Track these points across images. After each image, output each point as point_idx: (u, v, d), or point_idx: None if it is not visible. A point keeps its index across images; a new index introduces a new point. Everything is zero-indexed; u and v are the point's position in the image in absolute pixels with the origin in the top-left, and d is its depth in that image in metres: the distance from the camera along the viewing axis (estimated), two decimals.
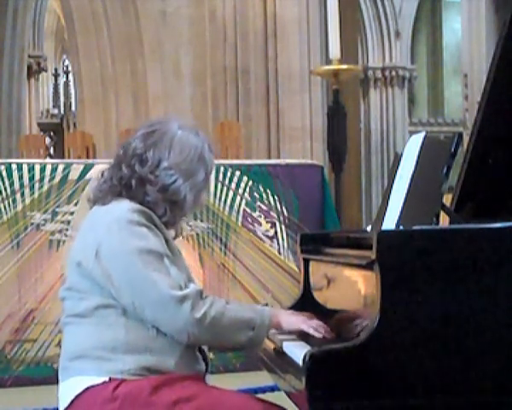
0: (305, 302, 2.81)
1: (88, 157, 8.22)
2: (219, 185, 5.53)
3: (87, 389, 2.25)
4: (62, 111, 17.54)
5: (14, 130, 12.21)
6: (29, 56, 14.97)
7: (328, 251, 2.71)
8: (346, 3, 8.42)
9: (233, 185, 5.55)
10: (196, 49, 9.22)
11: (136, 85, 9.65)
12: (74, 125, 15.33)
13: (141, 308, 2.24)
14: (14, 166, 5.23)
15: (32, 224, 5.21)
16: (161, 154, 2.37)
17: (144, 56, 9.47)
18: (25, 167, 5.23)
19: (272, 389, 4.02)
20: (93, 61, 10.06)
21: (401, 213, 2.44)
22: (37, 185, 5.22)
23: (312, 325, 2.42)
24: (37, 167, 5.24)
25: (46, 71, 17.99)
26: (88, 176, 5.22)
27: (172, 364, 2.27)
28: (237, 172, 5.57)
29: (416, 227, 2.17)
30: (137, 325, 2.26)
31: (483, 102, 2.57)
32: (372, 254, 2.10)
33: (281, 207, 5.63)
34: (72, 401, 2.28)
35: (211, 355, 2.47)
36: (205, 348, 2.41)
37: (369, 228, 2.78)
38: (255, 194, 5.59)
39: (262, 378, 3.78)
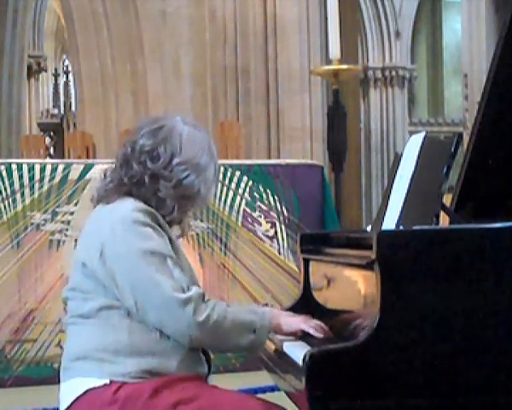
0: (305, 302, 2.81)
1: (88, 157, 8.22)
2: (219, 185, 5.53)
3: (88, 390, 2.25)
4: (62, 111, 17.54)
5: (14, 130, 12.22)
6: (29, 56, 14.97)
7: (328, 251, 2.71)
8: (346, 3, 8.43)
9: (233, 185, 5.55)
10: (196, 49, 9.22)
11: (136, 85, 9.65)
12: (74, 125, 15.32)
13: (143, 310, 2.24)
14: (14, 166, 5.23)
15: (31, 224, 5.21)
16: (173, 149, 2.37)
17: (144, 56, 9.47)
18: (25, 167, 5.23)
19: (272, 389, 4.02)
20: (93, 61, 10.06)
21: (401, 213, 2.44)
22: (37, 185, 5.22)
23: (312, 325, 2.42)
24: (37, 167, 5.24)
25: (46, 71, 18.00)
26: (88, 176, 5.22)
27: (174, 366, 2.27)
28: (237, 172, 5.57)
29: (415, 227, 2.17)
30: (141, 328, 2.26)
31: (483, 102, 2.57)
32: (372, 254, 2.10)
33: (281, 207, 5.63)
34: (72, 403, 2.28)
35: (211, 355, 2.47)
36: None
37: (369, 228, 2.78)
38: (255, 194, 5.59)
39: (262, 378, 3.78)
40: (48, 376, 4.97)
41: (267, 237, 5.62)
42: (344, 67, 6.74)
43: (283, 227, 5.63)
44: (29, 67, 15.40)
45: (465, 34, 12.69)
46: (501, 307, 2.09)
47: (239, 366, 5.27)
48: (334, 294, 2.63)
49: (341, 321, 2.45)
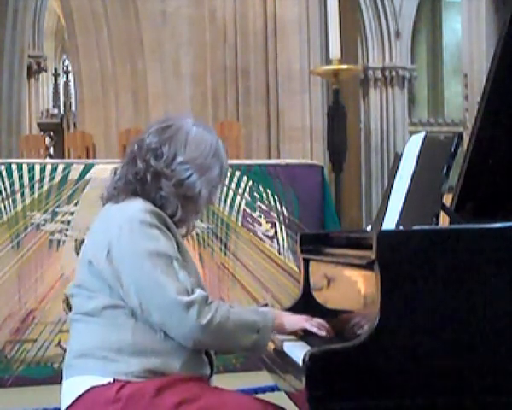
0: (305, 302, 2.81)
1: (88, 157, 8.22)
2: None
3: (91, 388, 2.25)
4: (62, 111, 17.53)
5: (14, 130, 12.22)
6: (29, 56, 14.98)
7: (328, 251, 2.71)
8: (346, 3, 8.43)
9: (233, 185, 5.55)
10: (196, 49, 9.23)
11: (136, 85, 9.65)
12: (74, 125, 15.32)
13: (148, 311, 2.24)
14: (14, 166, 5.22)
15: (32, 224, 5.20)
16: (177, 148, 2.37)
17: (144, 56, 9.48)
18: (25, 167, 5.22)
19: (272, 389, 4.02)
20: (93, 61, 10.07)
21: (401, 213, 2.44)
22: (37, 185, 5.22)
23: (314, 324, 2.42)
24: (37, 167, 5.24)
25: (46, 71, 18.00)
26: (88, 176, 5.22)
27: (177, 367, 2.27)
28: (237, 172, 5.56)
29: (415, 227, 2.17)
30: (145, 328, 2.26)
31: (483, 102, 2.57)
32: (372, 254, 2.10)
33: (281, 207, 5.63)
34: (75, 400, 2.28)
35: (213, 357, 2.47)
36: (212, 352, 2.41)
37: (369, 228, 2.78)
38: (255, 194, 5.59)
39: (262, 378, 3.78)
40: (48, 376, 4.97)
41: (267, 237, 5.62)
42: (344, 67, 6.74)
43: (283, 227, 5.63)
44: (29, 67, 15.41)
45: (465, 34, 12.69)
46: (501, 307, 2.09)
47: (239, 366, 5.27)
48: (334, 294, 2.63)
49: (341, 321, 2.45)
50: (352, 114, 9.23)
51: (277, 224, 5.63)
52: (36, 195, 5.22)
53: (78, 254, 4.99)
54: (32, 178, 5.21)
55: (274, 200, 5.62)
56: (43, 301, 5.18)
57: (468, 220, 2.46)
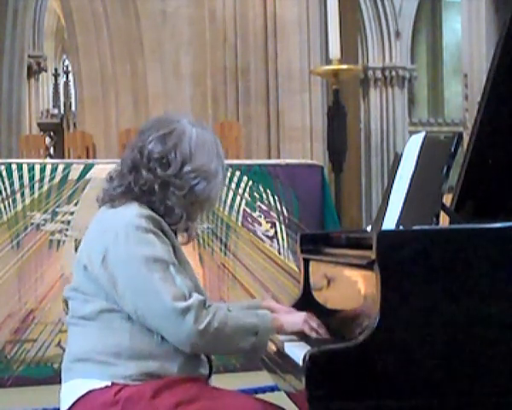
0: (305, 302, 2.81)
1: (88, 157, 8.22)
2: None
3: (89, 392, 2.25)
4: (62, 111, 17.53)
5: (14, 130, 12.22)
6: (29, 56, 14.98)
7: (328, 251, 2.71)
8: (346, 3, 8.43)
9: (233, 185, 5.55)
10: (196, 49, 9.23)
11: (136, 85, 9.65)
12: (74, 125, 15.32)
13: (144, 318, 2.23)
14: (14, 166, 5.23)
15: (32, 224, 5.21)
16: (184, 156, 2.34)
17: (144, 56, 9.47)
18: (25, 167, 5.23)
19: (272, 389, 4.02)
20: (93, 61, 10.06)
21: (401, 213, 2.44)
22: (37, 185, 5.22)
23: (314, 327, 2.41)
24: (37, 167, 5.24)
25: (46, 71, 18.00)
26: (88, 176, 5.22)
27: (175, 369, 2.26)
28: (237, 172, 5.57)
29: (416, 227, 2.17)
30: (142, 331, 2.25)
31: (483, 102, 2.57)
32: (372, 254, 2.10)
33: (281, 207, 5.63)
34: (73, 404, 2.27)
35: (212, 357, 2.46)
36: None
37: (369, 228, 2.78)
38: (255, 194, 5.59)
39: (262, 378, 3.78)
40: (48, 376, 4.97)
41: (267, 237, 5.62)
42: (344, 67, 6.74)
43: (283, 227, 5.63)
44: (29, 67, 15.40)
45: (465, 34, 12.69)
46: (501, 307, 2.09)
47: (239, 366, 5.27)
48: (334, 294, 2.63)
49: (341, 321, 2.45)
50: (352, 114, 9.23)
51: (277, 224, 5.63)
52: (36, 195, 5.22)
53: None
54: (32, 178, 5.21)
55: (274, 200, 5.62)
56: (43, 301, 5.18)
57: (468, 220, 2.46)
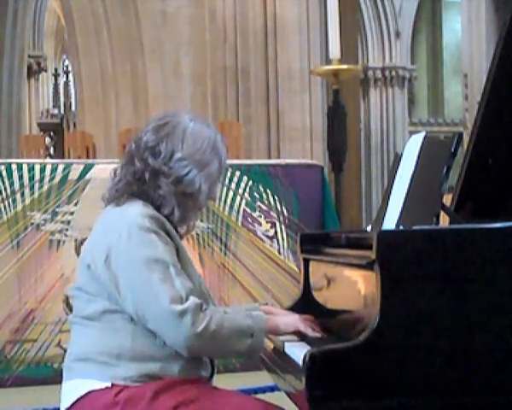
0: (305, 302, 2.81)
1: (88, 157, 8.23)
2: (219, 185, 5.52)
3: (89, 392, 2.25)
4: (62, 111, 17.53)
5: (14, 130, 12.22)
6: (29, 56, 14.98)
7: (328, 251, 2.71)
8: (346, 3, 8.43)
9: (233, 185, 5.55)
10: (196, 49, 9.23)
11: (136, 85, 9.65)
12: (74, 125, 15.32)
13: (144, 319, 2.23)
14: (14, 166, 5.23)
15: (32, 224, 5.21)
16: (174, 145, 2.34)
17: (144, 56, 9.47)
18: (25, 167, 5.23)
19: (272, 389, 4.02)
20: (93, 61, 10.07)
21: (401, 213, 2.44)
22: (37, 185, 5.22)
23: (309, 325, 2.41)
24: (37, 167, 5.24)
25: (46, 71, 18.01)
26: (88, 176, 5.22)
27: (176, 371, 2.26)
28: (237, 172, 5.57)
29: (415, 227, 2.17)
30: (144, 333, 2.25)
31: (483, 102, 2.57)
32: (372, 254, 2.10)
33: (281, 207, 5.63)
34: (73, 403, 2.28)
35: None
36: None
37: (369, 228, 2.78)
38: (255, 194, 5.59)
39: (262, 378, 3.78)
40: (48, 376, 4.97)
41: (267, 237, 5.62)
42: (344, 67, 6.74)
43: (283, 227, 5.63)
44: (29, 67, 15.41)
45: (465, 34, 12.70)
46: (501, 307, 2.09)
47: (239, 366, 5.27)
48: (334, 294, 2.63)
49: (341, 321, 2.45)
50: (352, 114, 9.23)
51: (277, 224, 5.63)
52: (36, 195, 5.22)
53: (78, 254, 5.00)
54: (32, 178, 5.21)
55: (274, 200, 5.62)
56: (43, 301, 5.18)
57: (468, 220, 2.46)
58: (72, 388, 2.29)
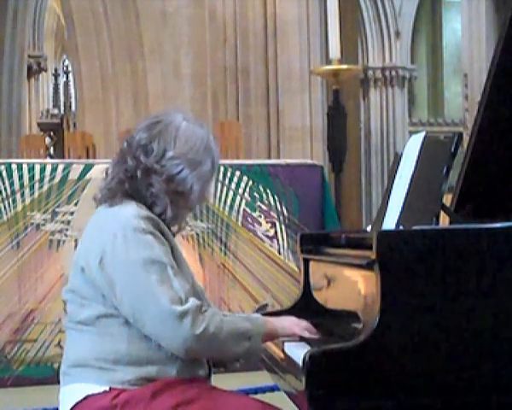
0: (305, 302, 2.81)
1: (88, 157, 8.23)
2: (219, 185, 5.53)
3: (87, 397, 2.24)
4: (62, 111, 17.51)
5: (14, 130, 12.22)
6: (29, 56, 14.98)
7: (328, 251, 2.71)
8: (346, 3, 8.43)
9: (233, 185, 5.56)
10: (196, 49, 9.22)
11: (136, 85, 9.65)
12: (74, 125, 15.30)
13: (141, 322, 2.21)
14: (14, 166, 5.23)
15: (31, 224, 5.21)
16: (166, 143, 2.33)
17: (144, 56, 9.47)
18: (25, 167, 5.23)
19: (272, 389, 4.02)
20: (93, 61, 10.06)
21: (401, 213, 2.44)
22: (37, 185, 5.22)
23: (304, 326, 2.40)
24: (37, 167, 5.24)
25: (46, 71, 17.99)
26: (88, 176, 5.22)
27: (174, 373, 2.25)
28: (237, 172, 5.57)
29: (415, 227, 2.17)
30: (140, 336, 2.23)
31: (483, 102, 2.57)
32: (372, 254, 2.10)
33: (281, 207, 5.63)
34: (71, 408, 2.27)
35: None
36: None
37: (369, 228, 2.78)
38: (255, 194, 5.59)
39: (262, 378, 3.78)
40: (48, 376, 4.97)
41: (267, 237, 5.63)
42: (344, 67, 6.75)
43: (283, 227, 5.64)
44: (29, 67, 15.40)
45: (465, 34, 12.71)
46: (500, 307, 2.09)
47: (239, 366, 5.27)
48: (334, 294, 2.63)
49: (341, 321, 2.45)
50: (352, 114, 9.23)
51: (277, 224, 5.63)
52: (36, 195, 5.22)
53: None
54: (32, 178, 5.21)
55: (274, 200, 5.63)
56: (43, 301, 5.18)
57: (468, 220, 2.46)
58: (70, 392, 2.29)
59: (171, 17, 9.23)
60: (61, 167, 5.28)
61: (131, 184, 2.32)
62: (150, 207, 2.32)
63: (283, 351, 2.37)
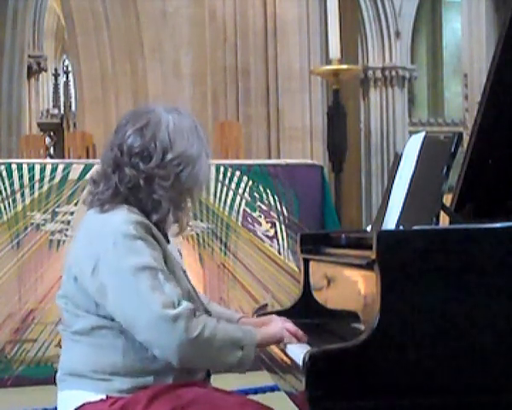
0: (305, 302, 2.81)
1: (88, 157, 8.23)
2: (219, 185, 5.53)
3: (84, 404, 2.23)
4: (62, 111, 17.53)
5: (14, 130, 12.23)
6: (29, 56, 14.98)
7: (328, 251, 2.71)
8: (346, 3, 8.43)
9: (233, 185, 5.56)
10: (196, 49, 9.22)
11: (136, 85, 9.65)
12: (74, 125, 15.31)
13: (134, 329, 2.18)
14: (14, 166, 5.23)
15: (31, 224, 5.21)
16: (163, 145, 2.29)
17: (144, 56, 9.47)
18: (25, 167, 5.23)
19: (272, 389, 4.02)
20: (93, 61, 10.06)
21: (401, 213, 2.44)
22: (37, 185, 5.22)
23: (292, 332, 2.36)
24: (37, 167, 5.25)
25: (46, 71, 18.00)
26: (88, 176, 5.22)
27: (170, 380, 2.24)
28: (237, 172, 5.57)
29: (415, 227, 2.17)
30: (135, 347, 2.21)
31: (483, 102, 2.57)
32: (372, 254, 2.10)
33: (281, 207, 5.63)
34: None
35: None
36: None
37: (369, 228, 2.78)
38: (255, 194, 5.60)
39: (262, 378, 3.78)
40: (48, 376, 4.96)
41: (267, 237, 5.63)
42: (344, 67, 6.75)
43: (283, 227, 5.64)
44: (29, 67, 15.40)
45: (465, 34, 12.71)
46: (501, 307, 2.09)
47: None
48: (334, 294, 2.63)
49: (341, 321, 2.45)
50: (352, 114, 9.24)
51: (277, 224, 5.63)
52: (36, 195, 5.22)
53: None
54: (32, 178, 5.21)
55: (274, 200, 5.63)
56: (43, 301, 5.18)
57: (468, 220, 2.46)
58: (68, 399, 2.28)
59: (171, 17, 9.23)
60: (61, 167, 5.28)
61: (133, 193, 2.29)
62: (149, 213, 2.29)
63: (283, 351, 2.37)
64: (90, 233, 2.29)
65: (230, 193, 5.55)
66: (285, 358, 2.34)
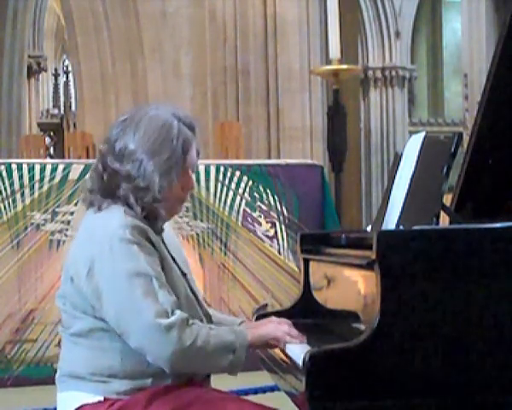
0: (305, 302, 2.81)
1: (88, 157, 8.21)
2: (219, 185, 5.53)
3: (82, 405, 2.23)
4: (62, 111, 17.53)
5: (14, 130, 12.23)
6: (29, 56, 14.98)
7: (328, 251, 2.71)
8: (346, 3, 8.43)
9: (233, 185, 5.56)
10: (196, 49, 9.22)
11: (136, 85, 9.65)
12: (74, 125, 15.31)
13: (126, 335, 2.17)
14: (14, 166, 5.23)
15: (32, 224, 5.21)
16: (127, 139, 2.26)
17: (144, 56, 9.47)
18: (25, 167, 5.23)
19: (272, 389, 4.02)
20: (93, 61, 10.06)
21: (401, 213, 2.44)
22: (37, 185, 5.22)
23: (288, 331, 2.34)
24: (37, 167, 5.25)
25: (46, 71, 18.00)
26: (88, 176, 5.22)
27: (169, 382, 2.23)
28: (237, 172, 5.57)
29: (415, 227, 2.17)
30: (133, 351, 2.19)
31: (483, 102, 2.57)
32: (372, 254, 2.10)
33: (281, 207, 5.63)
34: None
35: None
36: None
37: (369, 228, 2.78)
38: (255, 194, 5.60)
39: (262, 378, 3.78)
40: (48, 376, 4.95)
41: (267, 237, 5.63)
42: (344, 67, 6.75)
43: (283, 227, 5.64)
44: (29, 67, 15.40)
45: (465, 34, 12.71)
46: (501, 307, 2.09)
47: None
48: (334, 294, 2.63)
49: (341, 321, 2.45)
50: (352, 114, 9.24)
51: (277, 224, 5.63)
52: (36, 195, 5.22)
53: None
54: (32, 178, 5.21)
55: (274, 200, 5.63)
56: (43, 301, 5.18)
57: (468, 220, 2.46)
58: (67, 400, 2.28)
59: (171, 17, 9.23)
60: (61, 167, 5.28)
61: (104, 187, 2.27)
62: (132, 208, 2.26)
63: (283, 351, 2.37)
64: (87, 235, 2.28)
65: (230, 193, 5.55)
66: (285, 358, 2.34)
